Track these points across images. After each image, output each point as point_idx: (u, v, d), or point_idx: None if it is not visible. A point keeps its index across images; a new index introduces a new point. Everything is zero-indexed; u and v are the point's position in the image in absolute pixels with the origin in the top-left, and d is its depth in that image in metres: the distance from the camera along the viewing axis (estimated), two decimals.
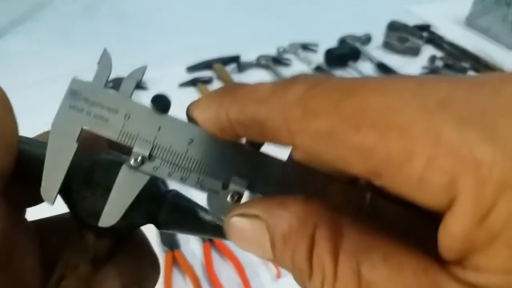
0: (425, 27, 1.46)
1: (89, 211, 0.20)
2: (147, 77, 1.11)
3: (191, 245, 0.74)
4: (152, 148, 0.19)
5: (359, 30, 1.37)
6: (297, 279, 0.16)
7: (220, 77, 1.14)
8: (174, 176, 0.19)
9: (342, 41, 1.34)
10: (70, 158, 0.19)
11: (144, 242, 0.24)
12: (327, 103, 0.14)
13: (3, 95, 0.18)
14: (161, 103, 0.19)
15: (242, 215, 0.17)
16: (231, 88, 0.17)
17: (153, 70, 1.13)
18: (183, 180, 0.19)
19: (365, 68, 1.24)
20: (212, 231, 0.22)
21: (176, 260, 0.71)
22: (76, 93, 0.19)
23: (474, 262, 0.13)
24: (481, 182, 0.12)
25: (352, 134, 0.13)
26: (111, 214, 0.19)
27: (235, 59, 1.20)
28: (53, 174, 0.19)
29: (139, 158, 0.19)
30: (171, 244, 0.72)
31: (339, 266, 0.14)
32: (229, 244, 0.73)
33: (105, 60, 0.20)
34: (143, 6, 1.54)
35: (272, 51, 1.26)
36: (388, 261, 0.14)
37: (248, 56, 1.22)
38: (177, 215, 0.22)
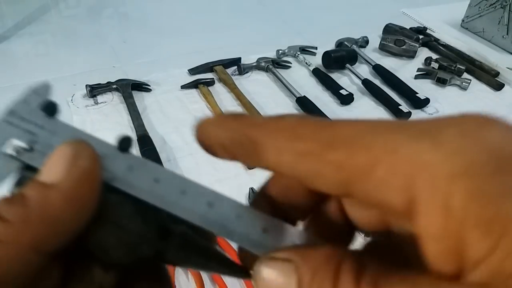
0: (421, 30, 1.49)
1: (100, 245, 0.20)
2: (150, 79, 1.14)
3: None
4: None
5: (356, 33, 1.39)
6: None
7: (221, 79, 1.17)
8: None
9: (340, 44, 1.37)
10: None
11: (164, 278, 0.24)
12: (309, 131, 0.17)
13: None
14: (49, 109, 0.21)
15: (273, 259, 0.18)
16: (234, 115, 0.20)
17: (156, 72, 1.17)
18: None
19: (362, 70, 1.26)
20: (215, 269, 0.22)
21: None
22: (13, 112, 0.20)
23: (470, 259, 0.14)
24: (434, 177, 0.14)
25: (327, 153, 0.16)
26: None
27: (236, 61, 1.23)
28: None
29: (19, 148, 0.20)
30: None
31: None
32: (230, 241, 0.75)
33: (42, 90, 0.21)
34: (146, 9, 1.56)
35: (272, 54, 1.29)
36: (405, 281, 0.15)
37: (248, 58, 1.25)
38: (186, 253, 0.22)
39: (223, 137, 0.20)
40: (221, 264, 0.22)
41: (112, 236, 0.20)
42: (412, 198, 0.15)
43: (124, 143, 0.21)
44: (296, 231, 0.21)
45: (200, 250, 0.22)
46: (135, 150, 0.86)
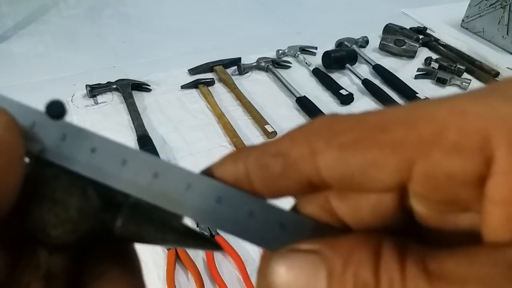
0: (421, 30, 1.49)
1: (37, 225, 0.18)
2: (150, 79, 1.14)
3: None
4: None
5: (356, 33, 1.39)
6: None
7: (221, 79, 1.17)
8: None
9: (340, 44, 1.37)
10: None
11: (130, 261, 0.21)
12: (350, 123, 0.15)
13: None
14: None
15: (294, 251, 0.15)
16: (243, 149, 0.17)
17: (156, 72, 1.17)
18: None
19: (362, 70, 1.26)
20: (175, 241, 0.19)
21: (179, 257, 0.73)
22: None
23: None
24: None
25: (381, 135, 0.14)
26: None
27: (236, 61, 1.23)
28: None
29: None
30: None
31: (407, 269, 0.13)
32: (230, 241, 0.76)
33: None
34: (146, 9, 1.56)
35: (272, 54, 1.29)
36: (455, 254, 0.13)
37: (248, 58, 1.25)
38: (134, 226, 0.19)
39: (238, 170, 0.17)
40: (182, 236, 0.19)
41: (48, 213, 0.18)
42: (487, 158, 0.13)
43: (55, 109, 0.18)
44: (263, 201, 0.17)
45: (154, 221, 0.19)
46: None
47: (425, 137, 0.14)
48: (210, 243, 0.19)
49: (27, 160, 0.18)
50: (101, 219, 0.19)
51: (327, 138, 0.15)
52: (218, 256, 0.74)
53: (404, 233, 0.16)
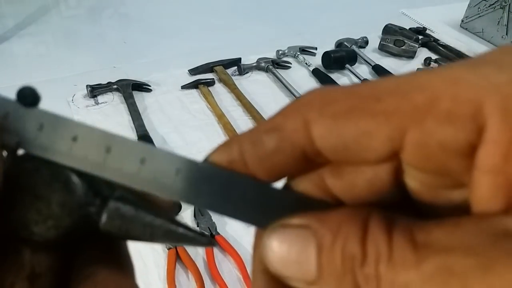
0: (420, 30, 1.50)
1: (20, 222, 0.18)
2: (150, 79, 1.14)
3: None
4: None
5: (356, 34, 1.40)
6: (347, 268, 0.14)
7: (221, 80, 1.17)
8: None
9: (340, 44, 1.37)
10: None
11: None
12: (344, 93, 0.15)
13: None
14: (28, 98, 0.18)
15: (285, 226, 0.16)
16: (237, 135, 0.17)
17: (156, 72, 1.17)
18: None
19: (362, 70, 1.27)
20: (165, 236, 0.18)
21: (179, 257, 0.73)
22: None
23: None
24: (505, 98, 0.13)
25: (374, 104, 0.14)
26: None
27: (236, 62, 1.23)
28: None
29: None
30: None
31: (393, 240, 0.14)
32: (230, 240, 0.76)
33: None
34: (147, 10, 1.56)
35: (271, 54, 1.29)
36: (443, 224, 0.13)
37: (248, 59, 1.25)
38: (120, 221, 0.18)
39: (232, 153, 0.17)
40: (171, 231, 0.18)
41: (30, 209, 0.17)
42: (479, 127, 0.13)
43: (27, 96, 0.17)
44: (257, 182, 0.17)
45: (141, 217, 0.18)
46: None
47: (418, 106, 0.14)
48: (202, 237, 0.19)
49: (4, 154, 0.17)
50: (86, 214, 0.18)
51: (320, 109, 0.15)
52: (218, 255, 0.75)
53: (399, 208, 0.16)
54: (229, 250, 0.74)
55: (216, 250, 0.75)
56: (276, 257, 0.15)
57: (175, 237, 0.18)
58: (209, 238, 0.19)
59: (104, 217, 0.18)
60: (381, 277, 0.13)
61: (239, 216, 0.17)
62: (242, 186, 0.17)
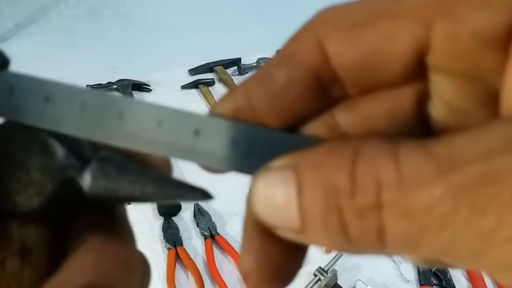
0: None
1: (1, 194, 0.17)
2: (150, 79, 1.14)
3: (193, 242, 0.77)
4: None
5: None
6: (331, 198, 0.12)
7: (221, 80, 1.17)
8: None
9: None
10: None
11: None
12: (356, 2, 0.14)
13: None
14: None
15: (269, 169, 0.14)
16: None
17: (157, 72, 1.17)
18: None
19: None
20: (157, 193, 0.17)
21: (179, 257, 0.73)
22: None
23: None
24: None
25: (395, 5, 0.13)
26: None
27: (236, 62, 1.23)
28: None
29: None
30: (174, 241, 0.75)
31: (401, 162, 0.12)
32: (230, 240, 0.76)
33: None
34: (147, 10, 1.56)
35: (272, 54, 1.28)
36: (464, 134, 0.11)
37: (248, 59, 1.25)
38: (106, 180, 0.17)
39: (237, 99, 0.15)
40: (162, 186, 0.17)
41: (10, 179, 0.17)
42: None
43: None
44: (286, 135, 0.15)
45: (128, 174, 0.17)
46: None
47: None
48: (197, 192, 0.17)
49: None
50: (68, 177, 0.17)
51: (334, 22, 0.13)
52: (218, 255, 0.75)
53: None
54: (229, 250, 0.74)
55: (216, 250, 0.75)
56: (261, 201, 0.14)
57: (167, 192, 0.17)
58: (205, 191, 0.17)
59: (87, 178, 0.17)
60: (385, 205, 0.11)
61: (248, 170, 0.16)
62: (249, 135, 0.16)
